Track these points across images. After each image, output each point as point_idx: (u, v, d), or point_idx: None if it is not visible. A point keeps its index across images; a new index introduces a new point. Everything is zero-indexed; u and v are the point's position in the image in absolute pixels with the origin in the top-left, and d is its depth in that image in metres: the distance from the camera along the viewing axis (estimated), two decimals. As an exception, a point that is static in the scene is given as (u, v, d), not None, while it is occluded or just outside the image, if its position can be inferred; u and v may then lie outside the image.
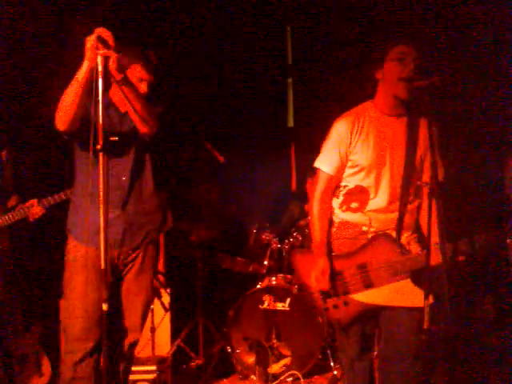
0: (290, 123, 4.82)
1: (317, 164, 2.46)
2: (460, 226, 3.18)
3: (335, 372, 3.57)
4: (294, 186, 4.80)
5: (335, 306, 2.38)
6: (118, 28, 2.31)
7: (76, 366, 2.37)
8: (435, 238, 2.12)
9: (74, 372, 2.37)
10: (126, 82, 2.26)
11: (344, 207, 2.42)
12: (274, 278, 3.77)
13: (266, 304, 3.66)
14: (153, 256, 2.56)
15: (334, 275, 2.37)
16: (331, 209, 2.46)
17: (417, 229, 2.40)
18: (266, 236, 3.95)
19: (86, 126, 2.26)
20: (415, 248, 2.35)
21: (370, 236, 2.37)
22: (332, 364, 3.60)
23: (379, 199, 2.34)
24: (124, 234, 2.45)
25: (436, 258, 2.11)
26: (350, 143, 2.35)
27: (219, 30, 4.50)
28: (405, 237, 2.36)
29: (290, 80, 4.83)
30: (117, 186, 2.37)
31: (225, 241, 4.23)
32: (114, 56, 2.14)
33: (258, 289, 3.74)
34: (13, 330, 3.40)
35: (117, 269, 2.48)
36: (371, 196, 2.35)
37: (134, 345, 2.53)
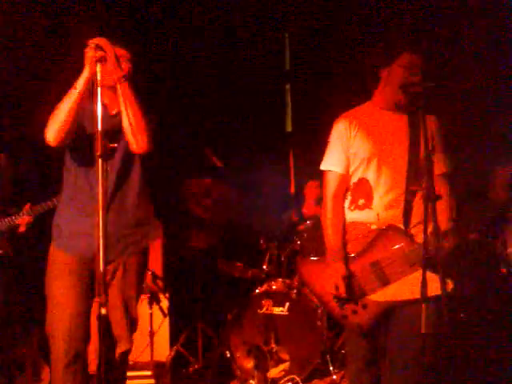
0: (289, 128, 4.84)
1: (324, 167, 2.43)
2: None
3: (334, 376, 3.56)
4: (292, 190, 4.81)
5: (354, 312, 2.30)
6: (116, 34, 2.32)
7: (63, 372, 2.33)
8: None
9: (63, 378, 2.33)
10: (126, 79, 2.23)
11: (353, 206, 2.38)
12: (272, 283, 3.77)
13: (264, 308, 3.66)
14: (136, 268, 2.44)
15: (349, 279, 2.31)
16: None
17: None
18: (264, 241, 3.95)
19: (79, 134, 2.26)
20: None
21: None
22: (331, 368, 3.59)
23: (382, 192, 2.31)
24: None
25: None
26: (349, 137, 2.36)
27: (218, 37, 4.53)
28: (413, 228, 2.30)
29: (288, 86, 4.86)
30: (95, 195, 2.15)
31: (224, 246, 4.24)
32: (111, 54, 2.14)
33: (257, 293, 3.74)
34: (12, 336, 3.41)
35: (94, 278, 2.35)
36: (374, 189, 2.33)
37: (125, 353, 2.45)
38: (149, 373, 3.76)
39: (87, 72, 2.19)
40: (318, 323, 3.56)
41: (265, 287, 3.77)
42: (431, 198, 2.04)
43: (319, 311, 3.61)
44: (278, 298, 3.66)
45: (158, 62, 4.30)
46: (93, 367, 2.71)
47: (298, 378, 3.52)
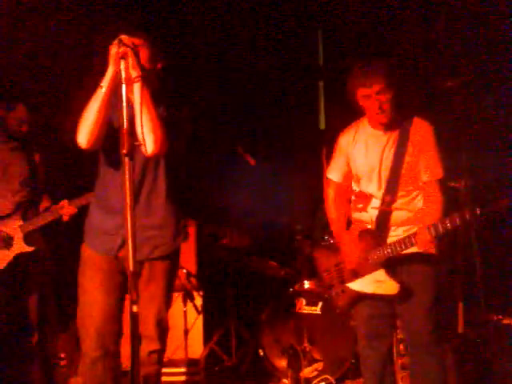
0: (322, 125, 4.80)
1: (327, 174, 2.79)
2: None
3: (368, 377, 3.52)
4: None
5: (336, 294, 2.72)
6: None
7: (90, 368, 2.35)
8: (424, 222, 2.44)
9: (90, 373, 2.35)
10: (143, 79, 2.17)
11: (353, 208, 2.73)
12: (306, 282, 3.75)
13: (297, 308, 3.65)
14: (165, 269, 2.42)
15: (335, 265, 2.73)
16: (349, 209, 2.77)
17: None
18: (299, 240, 3.93)
19: (107, 132, 2.25)
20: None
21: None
22: (365, 369, 3.55)
23: (375, 200, 2.62)
24: (124, 245, 2.27)
25: (422, 239, 2.40)
26: (349, 152, 2.67)
27: (251, 34, 4.52)
28: (402, 231, 2.57)
29: (321, 83, 4.82)
30: (123, 196, 2.11)
31: (257, 244, 4.23)
32: (131, 52, 2.10)
33: (290, 292, 3.73)
34: (51, 331, 3.49)
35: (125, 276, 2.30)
36: (370, 198, 2.64)
37: (154, 353, 2.42)
38: (182, 370, 3.80)
39: (112, 69, 2.17)
40: (351, 323, 3.52)
41: (297, 286, 3.76)
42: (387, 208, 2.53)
43: (352, 311, 3.56)
44: (310, 298, 3.64)
45: (193, 59, 4.34)
46: (125, 364, 2.76)
47: (331, 378, 3.50)
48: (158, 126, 2.23)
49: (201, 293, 4.04)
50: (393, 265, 2.55)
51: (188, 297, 3.93)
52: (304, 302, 3.65)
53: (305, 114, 4.72)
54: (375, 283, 2.58)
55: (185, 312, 3.90)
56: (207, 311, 4.05)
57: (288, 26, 4.50)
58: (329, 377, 3.51)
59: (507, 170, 3.44)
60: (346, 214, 2.76)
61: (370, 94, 2.48)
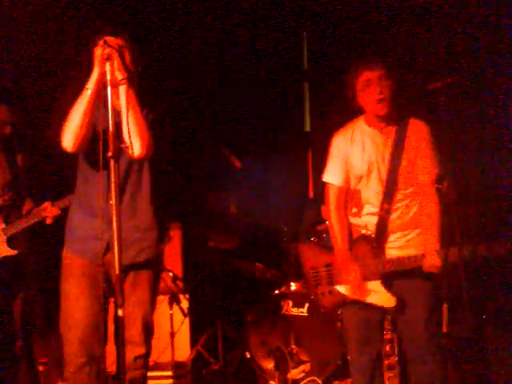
0: (307, 128, 4.82)
1: (324, 178, 2.71)
2: (479, 230, 3.17)
3: (355, 378, 3.53)
4: (311, 190, 4.78)
5: (322, 294, 2.71)
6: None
7: (74, 374, 2.32)
8: (433, 243, 2.44)
9: (74, 380, 2.33)
10: (129, 81, 2.17)
11: (349, 212, 2.68)
12: (292, 284, 3.76)
13: (284, 309, 3.65)
14: (150, 273, 2.39)
15: (325, 266, 2.70)
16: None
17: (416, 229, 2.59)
18: (284, 241, 3.94)
19: (92, 136, 2.22)
20: (411, 251, 2.52)
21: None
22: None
23: (370, 205, 2.59)
24: (107, 248, 2.29)
25: (431, 263, 2.39)
26: (346, 152, 2.62)
27: (236, 36, 4.52)
28: (400, 236, 2.56)
29: (306, 85, 4.84)
30: (105, 199, 2.16)
31: (244, 247, 4.23)
32: (116, 54, 2.09)
33: (277, 294, 3.73)
34: (37, 334, 3.46)
35: (109, 280, 2.34)
36: (363, 201, 2.61)
37: (140, 358, 2.38)
38: (169, 373, 3.79)
39: (97, 71, 2.15)
40: (338, 324, 3.53)
41: (284, 288, 3.76)
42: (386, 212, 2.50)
43: (339, 312, 3.58)
44: (297, 299, 3.64)
45: (173, 63, 4.32)
46: (111, 368, 2.73)
47: (318, 380, 3.49)
48: (144, 128, 2.21)
49: (187, 296, 4.03)
50: (390, 277, 2.52)
51: (174, 300, 3.92)
52: (291, 303, 3.65)
53: (290, 116, 4.74)
54: (369, 292, 2.56)
55: (171, 315, 3.88)
56: (194, 314, 4.04)
57: (273, 28, 4.52)
58: (316, 378, 3.51)
59: (490, 171, 3.48)
60: (347, 224, 2.68)
61: (372, 79, 2.48)
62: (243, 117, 4.55)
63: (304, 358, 3.56)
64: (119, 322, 2.02)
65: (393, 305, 2.52)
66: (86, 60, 2.21)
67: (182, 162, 3.96)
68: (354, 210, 2.64)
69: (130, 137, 2.13)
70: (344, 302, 2.67)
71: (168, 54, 4.26)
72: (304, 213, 4.35)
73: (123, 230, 2.08)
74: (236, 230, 4.21)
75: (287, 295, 3.68)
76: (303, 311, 3.62)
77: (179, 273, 4.11)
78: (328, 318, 3.53)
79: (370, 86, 2.49)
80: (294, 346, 3.56)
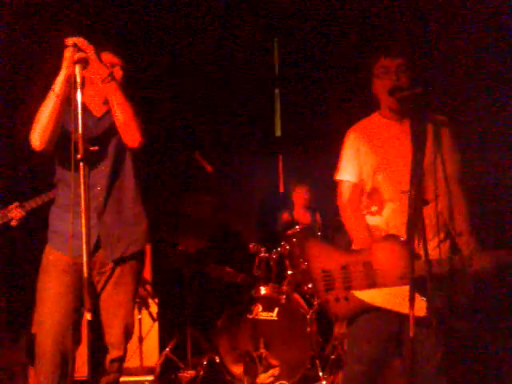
0: (278, 133, 4.86)
1: (338, 177, 2.53)
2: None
3: (324, 382, 3.55)
4: (281, 195, 4.81)
5: (336, 300, 2.37)
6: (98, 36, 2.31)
7: (47, 376, 2.28)
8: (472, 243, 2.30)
9: (47, 382, 2.28)
10: (112, 78, 2.21)
11: (365, 211, 2.48)
12: (262, 288, 3.77)
13: (254, 314, 3.66)
14: (134, 270, 2.42)
15: (341, 268, 2.37)
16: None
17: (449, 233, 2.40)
18: (253, 246, 3.95)
19: (63, 137, 2.23)
20: (447, 252, 2.35)
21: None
22: (321, 374, 3.59)
23: (391, 201, 2.40)
24: (97, 245, 2.33)
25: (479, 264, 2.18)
26: (360, 149, 2.47)
27: (207, 42, 4.53)
28: (429, 238, 2.29)
29: (277, 91, 4.88)
30: (91, 196, 2.23)
31: (213, 251, 4.23)
32: (91, 55, 2.10)
33: (246, 298, 3.74)
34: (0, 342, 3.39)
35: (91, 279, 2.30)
36: (385, 198, 2.41)
37: (116, 361, 2.38)
38: (138, 378, 3.75)
39: (63, 74, 2.15)
40: (308, 329, 3.56)
41: (254, 292, 3.77)
42: (418, 203, 2.14)
43: (308, 316, 3.61)
44: (267, 303, 3.65)
45: (148, 66, 4.31)
46: (82, 372, 2.69)
47: (287, 384, 3.52)
48: (136, 117, 2.28)
49: (156, 300, 4.00)
50: (423, 283, 2.13)
51: (143, 304, 3.88)
52: (260, 307, 3.66)
53: (261, 121, 4.77)
54: (395, 298, 2.24)
55: (140, 319, 3.84)
56: (163, 318, 4.01)
57: (244, 33, 4.54)
58: (285, 382, 3.52)
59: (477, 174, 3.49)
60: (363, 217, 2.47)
61: (390, 67, 2.37)
62: (215, 121, 4.57)
63: (273, 362, 3.58)
64: (88, 327, 2.01)
65: (423, 313, 2.15)
66: (55, 59, 2.19)
67: (153, 166, 3.94)
68: (374, 208, 2.43)
69: (125, 130, 2.23)
70: (362, 310, 2.34)
71: (140, 58, 4.24)
72: (274, 218, 4.39)
73: (112, 226, 2.11)
74: (205, 233, 4.20)
75: (257, 299, 3.70)
76: (273, 315, 3.64)
77: (148, 277, 4.08)
78: (298, 322, 3.57)
79: (387, 75, 2.38)
80: (263, 351, 3.57)
